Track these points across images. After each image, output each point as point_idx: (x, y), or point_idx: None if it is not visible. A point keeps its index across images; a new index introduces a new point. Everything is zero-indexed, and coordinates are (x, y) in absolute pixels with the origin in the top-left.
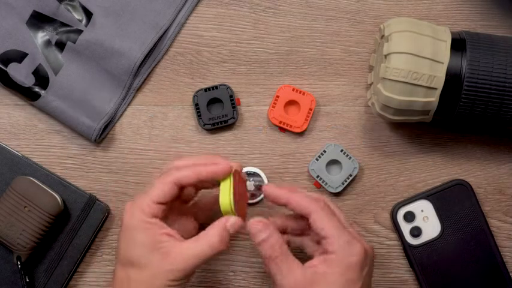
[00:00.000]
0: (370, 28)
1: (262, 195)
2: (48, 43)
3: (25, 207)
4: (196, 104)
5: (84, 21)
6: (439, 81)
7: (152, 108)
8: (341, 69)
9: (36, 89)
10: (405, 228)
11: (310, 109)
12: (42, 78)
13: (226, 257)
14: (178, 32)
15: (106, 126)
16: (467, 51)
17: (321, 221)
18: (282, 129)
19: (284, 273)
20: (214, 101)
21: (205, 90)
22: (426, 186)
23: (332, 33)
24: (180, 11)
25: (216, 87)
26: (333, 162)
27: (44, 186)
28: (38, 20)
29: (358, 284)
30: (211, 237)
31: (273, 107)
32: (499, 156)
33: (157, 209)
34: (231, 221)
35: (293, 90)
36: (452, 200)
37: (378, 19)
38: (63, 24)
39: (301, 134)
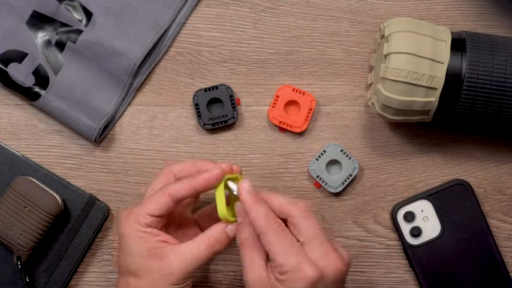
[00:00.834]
0: (370, 28)
1: None
2: (48, 43)
3: (25, 207)
4: (196, 104)
5: (84, 21)
6: (439, 81)
7: (152, 108)
8: (341, 69)
9: (36, 89)
10: (405, 228)
11: (310, 109)
12: (42, 78)
13: (226, 257)
14: (178, 32)
15: (106, 126)
16: (467, 51)
17: (268, 242)
18: (282, 129)
19: (246, 264)
20: (214, 101)
21: (205, 90)
22: (426, 186)
23: (332, 33)
24: (180, 11)
25: (216, 87)
26: (333, 162)
27: (44, 186)
28: (38, 20)
29: None
30: (208, 237)
31: (273, 107)
32: (499, 156)
33: (152, 220)
34: (230, 227)
35: (293, 90)
36: (452, 200)
37: (378, 19)
38: (63, 24)
39: (301, 134)
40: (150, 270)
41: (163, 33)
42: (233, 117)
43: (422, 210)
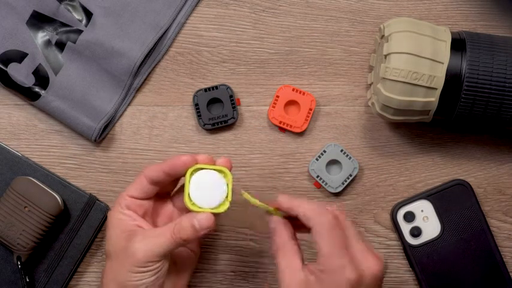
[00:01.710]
0: (370, 28)
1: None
2: (48, 43)
3: (25, 207)
4: (196, 104)
5: (84, 21)
6: (439, 81)
7: (152, 108)
8: (341, 69)
9: (36, 89)
10: (405, 228)
11: (310, 109)
12: (42, 78)
13: (226, 257)
14: (178, 32)
15: (106, 126)
16: (467, 51)
17: (320, 237)
18: (282, 129)
19: (282, 268)
20: (214, 101)
21: (205, 90)
22: (426, 186)
23: (332, 33)
24: (180, 11)
25: (216, 87)
26: (333, 162)
27: (44, 186)
28: (38, 20)
29: None
30: (175, 225)
31: (273, 107)
32: (499, 156)
33: (131, 202)
34: (197, 217)
35: (293, 90)
36: (452, 200)
37: (378, 19)
38: (63, 24)
39: (301, 134)
40: (118, 251)
41: (164, 33)
42: (233, 117)
43: (422, 210)
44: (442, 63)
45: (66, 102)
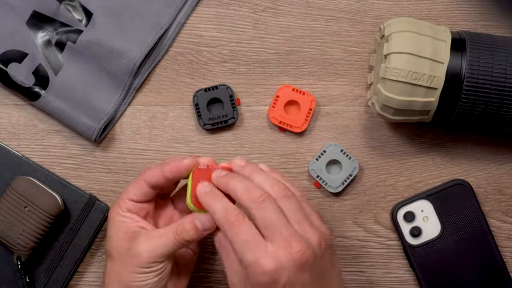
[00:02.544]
0: (370, 28)
1: None
2: (48, 43)
3: (25, 207)
4: (196, 104)
5: (84, 21)
6: (439, 81)
7: (152, 108)
8: (341, 69)
9: (36, 89)
10: (405, 228)
11: (310, 109)
12: (42, 78)
13: None
14: (179, 32)
15: (106, 126)
16: (467, 51)
17: (229, 236)
18: (282, 129)
19: (227, 268)
20: (214, 101)
21: (205, 90)
22: (426, 186)
23: (332, 33)
24: (180, 11)
25: (216, 87)
26: (333, 162)
27: (44, 186)
28: (38, 20)
29: None
30: (177, 225)
31: (273, 107)
32: (499, 156)
33: (132, 205)
34: (198, 218)
35: (293, 90)
36: (452, 200)
37: (378, 19)
38: (63, 24)
39: (301, 134)
40: (122, 251)
41: (164, 33)
42: (233, 117)
43: (422, 210)
44: (442, 63)
45: (66, 102)
